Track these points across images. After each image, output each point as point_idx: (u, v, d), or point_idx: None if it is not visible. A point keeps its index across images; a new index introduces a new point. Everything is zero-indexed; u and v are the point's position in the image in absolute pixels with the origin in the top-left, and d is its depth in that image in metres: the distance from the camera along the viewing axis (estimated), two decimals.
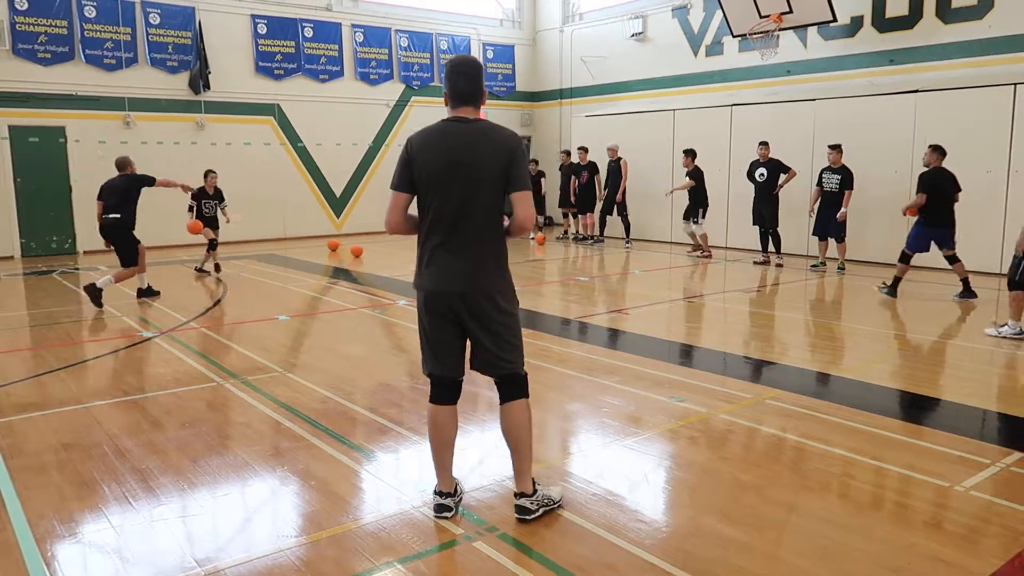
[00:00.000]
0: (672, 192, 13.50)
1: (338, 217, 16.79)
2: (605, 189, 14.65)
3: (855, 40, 12.76)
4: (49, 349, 6.83)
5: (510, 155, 3.21)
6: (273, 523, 3.49)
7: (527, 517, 3.38)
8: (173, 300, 9.03)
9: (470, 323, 3.28)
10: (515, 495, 3.44)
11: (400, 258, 13.22)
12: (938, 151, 8.80)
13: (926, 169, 8.83)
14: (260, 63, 15.43)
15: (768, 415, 4.83)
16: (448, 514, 3.45)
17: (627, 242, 14.48)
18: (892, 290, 8.93)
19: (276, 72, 15.63)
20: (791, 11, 12.58)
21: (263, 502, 3.74)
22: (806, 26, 12.95)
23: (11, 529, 3.36)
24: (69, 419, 4.86)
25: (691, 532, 3.30)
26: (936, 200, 8.59)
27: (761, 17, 12.94)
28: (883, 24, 12.36)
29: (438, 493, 3.50)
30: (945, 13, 11.61)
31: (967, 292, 8.71)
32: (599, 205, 14.98)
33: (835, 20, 12.41)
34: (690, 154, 12.68)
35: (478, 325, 3.28)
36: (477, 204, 3.19)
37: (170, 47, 14.38)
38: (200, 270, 11.28)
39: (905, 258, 8.87)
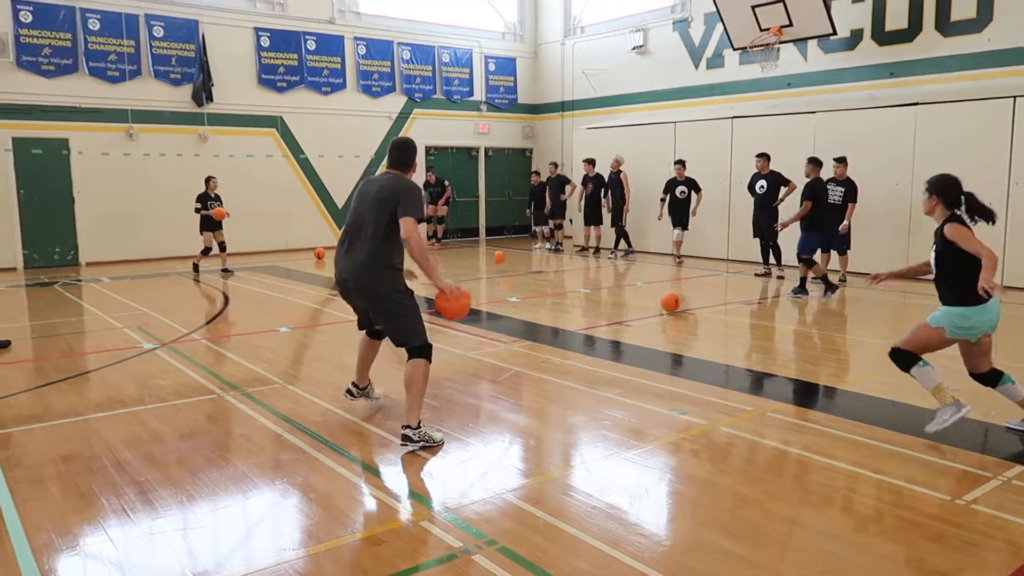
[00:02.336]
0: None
1: (340, 228, 16.80)
2: (605, 198, 14.73)
3: (855, 53, 12.82)
4: (50, 360, 6.83)
5: (400, 193, 4.43)
6: (273, 536, 3.47)
7: (407, 444, 4.38)
8: (174, 312, 9.03)
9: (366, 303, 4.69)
10: (402, 427, 4.44)
11: None
12: (815, 163, 10.01)
13: (808, 180, 9.96)
14: (263, 75, 15.51)
15: (770, 428, 4.82)
16: (349, 398, 5.19)
17: (622, 252, 14.71)
18: (802, 290, 9.84)
19: (279, 84, 15.71)
20: (791, 24, 12.65)
21: (263, 515, 3.73)
22: (806, 39, 13.02)
23: (9, 541, 3.35)
24: (69, 431, 4.85)
25: (692, 546, 3.29)
26: (816, 207, 9.81)
27: (762, 30, 13.00)
28: (883, 37, 12.41)
29: (353, 384, 5.18)
30: (944, 26, 11.66)
31: (804, 289, 9.85)
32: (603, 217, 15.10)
33: (835, 33, 12.47)
34: (682, 164, 13.27)
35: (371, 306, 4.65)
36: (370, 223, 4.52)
37: (173, 59, 14.47)
38: (226, 270, 12.47)
39: (808, 262, 9.82)
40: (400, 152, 4.65)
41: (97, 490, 3.91)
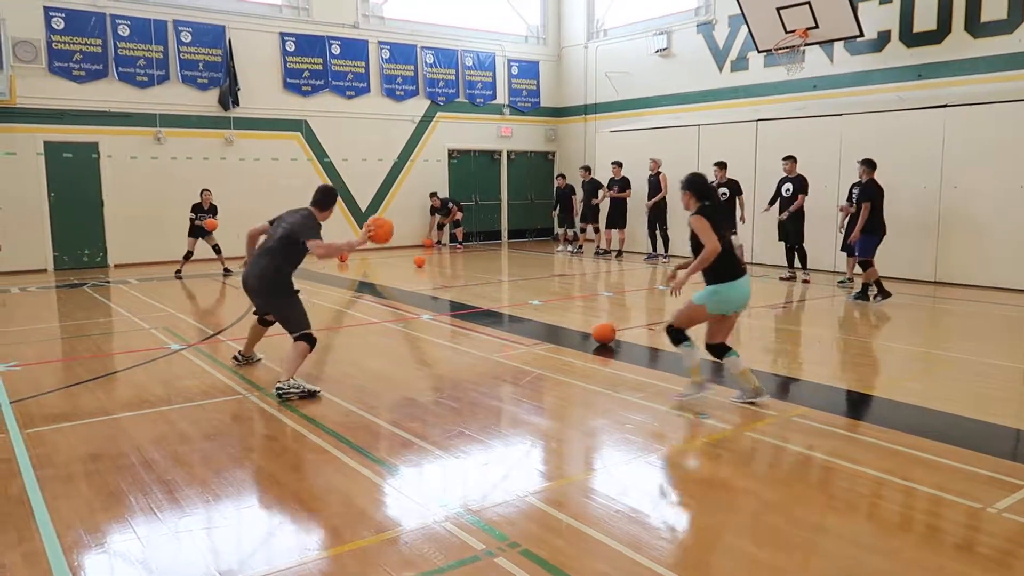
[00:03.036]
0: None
1: (361, 231, 16.92)
2: (648, 202, 14.31)
3: (882, 55, 12.67)
4: (79, 361, 6.94)
5: (301, 219, 5.97)
6: (296, 536, 3.50)
7: (279, 392, 5.49)
8: (200, 314, 9.14)
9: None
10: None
11: (417, 271, 13.29)
12: (869, 164, 9.73)
13: (864, 182, 9.76)
14: (288, 80, 15.66)
15: (794, 433, 4.77)
16: (235, 363, 6.49)
17: (664, 257, 14.42)
18: (863, 295, 9.65)
19: (304, 88, 15.85)
20: (817, 26, 12.53)
21: (286, 515, 3.76)
22: (832, 41, 12.88)
23: (39, 538, 3.41)
24: (97, 430, 4.93)
25: (716, 551, 3.26)
26: (875, 209, 9.62)
27: (787, 32, 12.89)
28: (911, 39, 12.25)
29: (240, 351, 6.56)
30: (974, 27, 11.49)
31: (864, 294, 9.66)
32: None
33: (862, 35, 12.33)
34: (722, 166, 12.60)
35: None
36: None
37: (201, 64, 14.66)
38: (227, 271, 12.73)
39: (865, 264, 9.67)
40: (321, 195, 6.20)
41: (125, 488, 3.96)
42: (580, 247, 16.07)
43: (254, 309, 6.34)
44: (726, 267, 5.14)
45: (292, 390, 5.49)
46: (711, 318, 5.28)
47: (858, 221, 9.63)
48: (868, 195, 9.62)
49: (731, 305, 5.21)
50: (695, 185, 5.31)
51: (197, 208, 12.58)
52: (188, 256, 12.66)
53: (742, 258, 12.66)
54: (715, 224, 5.14)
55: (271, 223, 6.10)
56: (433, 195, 17.35)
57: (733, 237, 12.42)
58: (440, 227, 17.55)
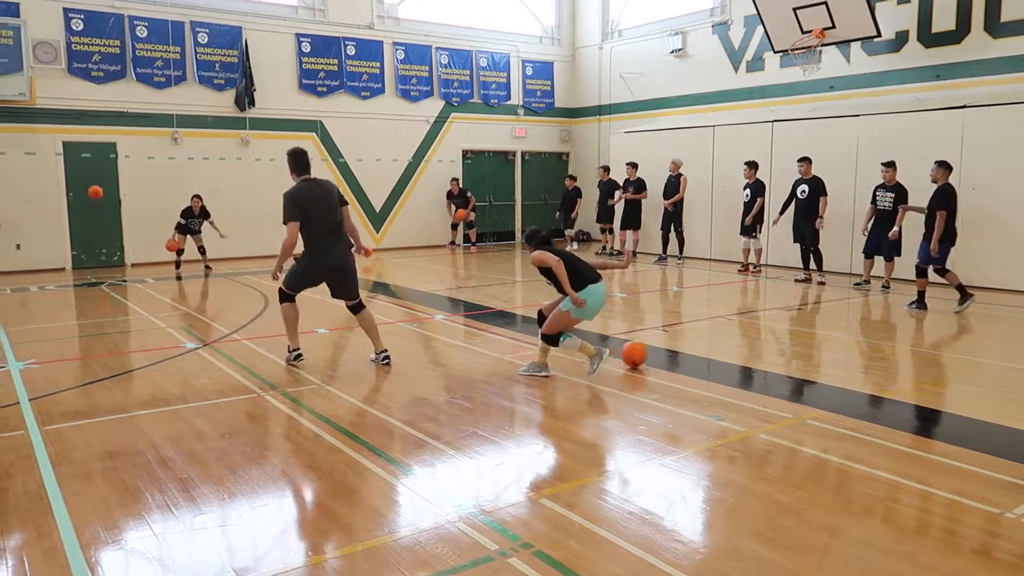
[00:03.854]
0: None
1: (377, 232, 16.99)
2: (668, 201, 14.15)
3: (900, 55, 12.56)
4: (97, 359, 7.01)
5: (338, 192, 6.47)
6: (310, 534, 3.52)
7: (386, 358, 6.63)
8: (216, 313, 9.20)
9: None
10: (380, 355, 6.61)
11: (431, 271, 13.32)
12: (945, 167, 9.14)
13: (939, 186, 9.14)
14: (304, 80, 15.74)
15: (809, 436, 4.74)
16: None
17: (679, 259, 14.35)
18: (921, 304, 9.21)
19: (319, 89, 15.93)
20: (834, 26, 12.44)
21: (301, 513, 3.78)
22: (849, 41, 12.79)
23: (57, 534, 3.44)
24: (115, 428, 4.97)
25: (729, 554, 3.25)
26: (949, 215, 9.04)
27: (803, 33, 12.81)
28: (929, 39, 12.15)
29: (294, 349, 6.63)
30: (994, 27, 11.37)
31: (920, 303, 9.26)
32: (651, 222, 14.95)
33: (879, 35, 12.23)
34: (753, 166, 12.51)
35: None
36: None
37: (217, 65, 14.76)
38: (207, 267, 13.20)
39: (943, 271, 9.21)
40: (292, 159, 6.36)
41: (141, 486, 4.00)
42: (603, 248, 16.03)
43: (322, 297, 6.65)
44: (575, 279, 6.02)
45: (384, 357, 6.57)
46: (576, 322, 6.12)
47: (934, 230, 8.89)
48: (943, 201, 8.95)
49: (589, 311, 6.02)
50: (531, 238, 6.30)
51: (187, 213, 12.66)
52: (179, 252, 12.79)
53: (757, 261, 12.75)
54: None
55: (299, 208, 6.14)
56: (454, 180, 17.24)
57: (753, 240, 12.54)
58: (454, 227, 17.44)
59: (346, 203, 6.42)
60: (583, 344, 6.12)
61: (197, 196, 12.78)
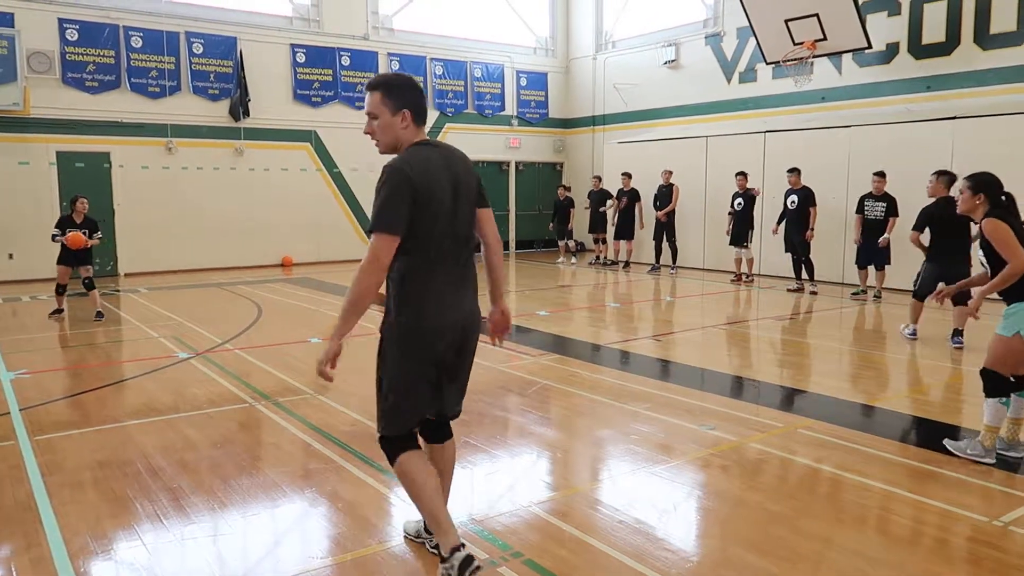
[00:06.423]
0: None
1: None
2: (659, 212, 14.22)
3: (891, 67, 12.67)
4: (88, 369, 6.99)
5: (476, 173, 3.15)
6: (301, 544, 3.51)
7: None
8: (208, 322, 9.19)
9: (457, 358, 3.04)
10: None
11: None
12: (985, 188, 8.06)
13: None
14: (298, 91, 15.78)
15: (801, 445, 4.75)
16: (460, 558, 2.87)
17: (672, 269, 14.39)
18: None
19: (314, 100, 15.97)
20: (825, 38, 12.55)
21: (291, 523, 3.77)
22: (841, 53, 12.89)
23: (46, 544, 3.43)
24: (106, 438, 4.96)
25: (720, 563, 3.25)
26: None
27: (795, 44, 12.92)
28: (919, 51, 12.26)
29: (458, 548, 2.90)
30: (983, 39, 11.49)
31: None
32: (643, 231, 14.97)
33: (870, 47, 12.34)
34: (744, 175, 12.62)
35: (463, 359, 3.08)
36: (470, 227, 3.07)
37: (212, 75, 14.79)
38: (99, 315, 9.44)
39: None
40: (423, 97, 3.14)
41: (132, 495, 3.98)
42: (597, 258, 16.05)
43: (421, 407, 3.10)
44: None
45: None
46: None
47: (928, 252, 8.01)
48: (917, 219, 8.13)
49: None
50: (989, 186, 4.63)
51: (65, 223, 9.28)
52: (61, 290, 9.45)
53: (748, 270, 12.83)
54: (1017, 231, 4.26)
55: (410, 202, 2.80)
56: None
57: (744, 250, 12.61)
58: None
59: (487, 202, 3.15)
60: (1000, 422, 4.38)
61: (82, 198, 9.51)
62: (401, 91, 2.99)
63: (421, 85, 3.08)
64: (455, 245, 2.95)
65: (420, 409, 3.02)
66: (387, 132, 2.99)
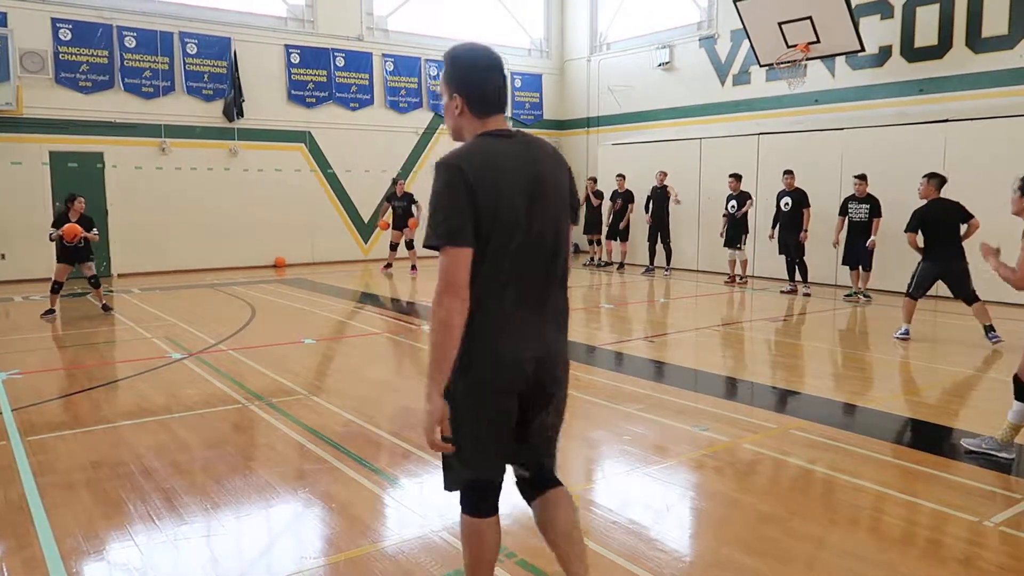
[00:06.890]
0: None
1: (365, 243, 16.98)
2: (648, 215, 14.28)
3: (884, 70, 12.72)
4: (81, 369, 6.96)
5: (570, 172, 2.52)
6: (294, 545, 3.51)
7: None
8: (202, 323, 9.17)
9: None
10: None
11: (420, 282, 13.32)
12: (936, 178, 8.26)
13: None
14: (292, 91, 15.76)
15: (794, 446, 4.77)
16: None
17: (666, 270, 14.42)
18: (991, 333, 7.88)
19: (308, 100, 15.95)
20: (819, 41, 12.59)
21: (285, 524, 3.77)
22: (834, 56, 12.94)
23: (38, 545, 3.42)
24: (98, 438, 4.94)
25: (713, 563, 3.26)
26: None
27: (789, 47, 12.96)
28: (912, 54, 12.31)
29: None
30: (975, 43, 11.54)
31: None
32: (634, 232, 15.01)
33: (863, 50, 12.39)
34: (737, 177, 12.68)
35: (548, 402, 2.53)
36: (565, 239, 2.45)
37: (206, 76, 14.75)
38: (106, 308, 9.89)
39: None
40: (504, 79, 2.49)
41: (124, 496, 3.97)
42: (591, 259, 16.09)
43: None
44: None
45: None
46: None
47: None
48: (909, 220, 8.29)
49: None
50: None
51: (62, 221, 9.42)
52: (56, 288, 9.53)
53: (742, 273, 12.87)
54: None
55: (480, 208, 2.23)
56: (400, 180, 15.15)
57: (739, 252, 12.66)
58: (393, 246, 14.66)
59: (575, 217, 2.57)
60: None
61: (78, 197, 9.67)
62: (459, 70, 2.46)
63: (499, 61, 2.49)
64: (535, 262, 2.34)
65: (496, 461, 2.59)
66: (448, 116, 2.46)
